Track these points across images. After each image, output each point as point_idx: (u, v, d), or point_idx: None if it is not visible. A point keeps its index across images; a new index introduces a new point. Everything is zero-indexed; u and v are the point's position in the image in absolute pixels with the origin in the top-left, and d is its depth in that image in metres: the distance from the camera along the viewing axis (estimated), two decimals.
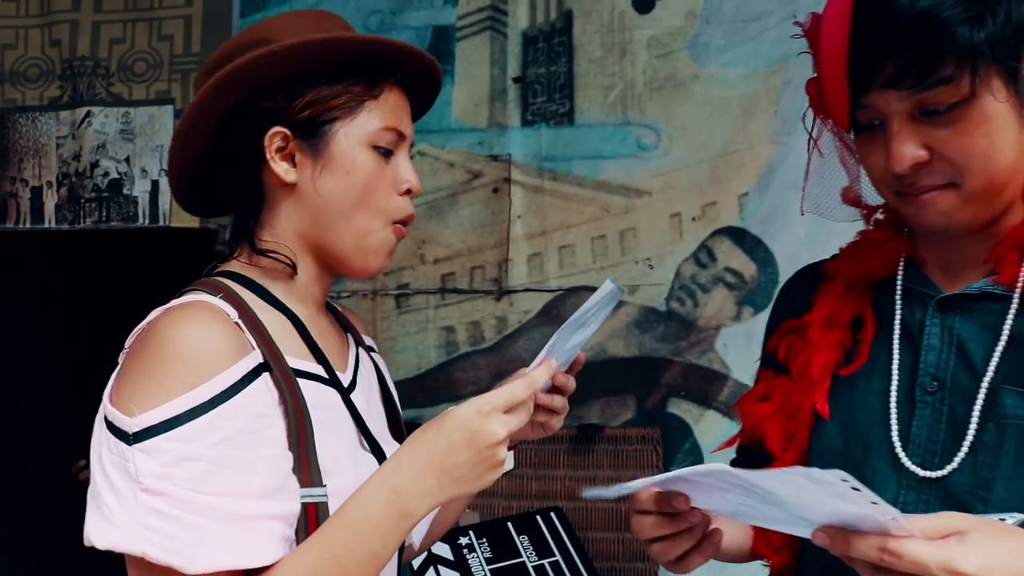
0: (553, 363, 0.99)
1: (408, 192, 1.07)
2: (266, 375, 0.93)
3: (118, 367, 0.92)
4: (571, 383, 1.13)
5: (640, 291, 2.19)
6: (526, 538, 1.94)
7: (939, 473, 0.94)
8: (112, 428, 0.86)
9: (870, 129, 0.95)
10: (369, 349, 1.23)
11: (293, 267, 1.03)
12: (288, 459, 0.92)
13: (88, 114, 2.46)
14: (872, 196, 1.07)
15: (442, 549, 1.89)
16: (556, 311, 2.22)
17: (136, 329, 0.93)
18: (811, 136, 1.08)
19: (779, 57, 2.10)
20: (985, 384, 0.93)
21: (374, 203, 1.03)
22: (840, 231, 1.16)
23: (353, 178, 1.02)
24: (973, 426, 0.93)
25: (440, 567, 1.86)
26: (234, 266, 1.04)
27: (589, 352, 2.18)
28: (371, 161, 1.02)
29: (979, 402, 0.93)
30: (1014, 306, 0.94)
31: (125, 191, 2.45)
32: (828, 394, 1.05)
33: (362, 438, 1.06)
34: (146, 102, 2.46)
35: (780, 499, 0.78)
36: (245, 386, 0.89)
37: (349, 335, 1.18)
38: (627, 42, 2.22)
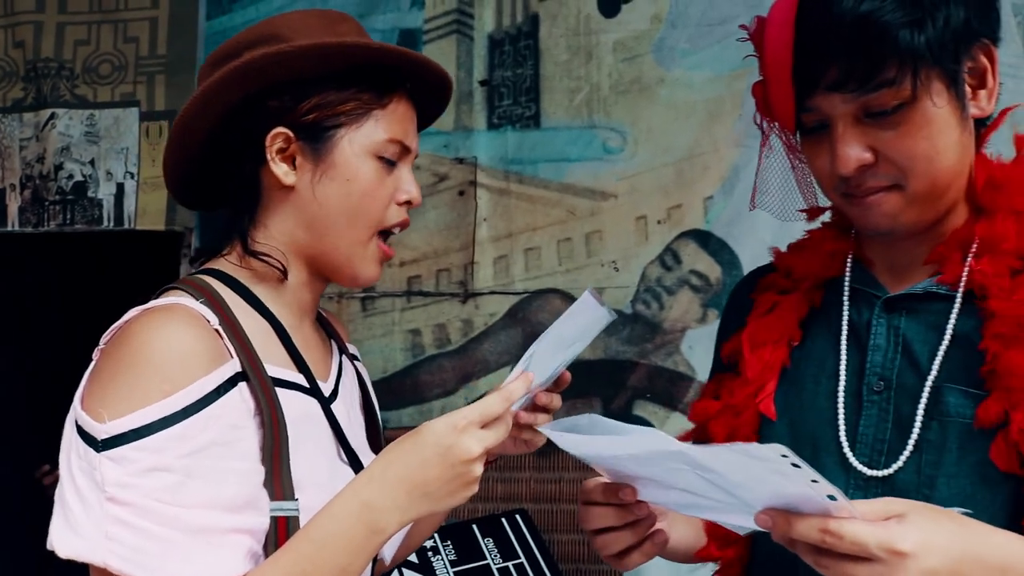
0: (530, 376, 0.96)
1: (408, 203, 1.05)
2: (243, 384, 0.91)
3: (91, 365, 0.90)
4: (555, 401, 1.08)
5: (606, 294, 2.19)
6: (491, 541, 1.93)
7: (885, 472, 0.95)
8: (82, 433, 0.84)
9: (816, 132, 0.96)
10: (352, 357, 1.21)
11: (284, 272, 1.02)
12: (259, 473, 0.90)
13: (52, 116, 2.44)
14: (823, 197, 1.08)
15: None
16: (522, 314, 2.22)
17: (112, 328, 0.91)
18: (764, 138, 1.09)
19: (744, 61, 2.09)
20: (929, 383, 0.94)
21: (371, 213, 1.02)
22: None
23: (353, 186, 1.00)
24: (917, 425, 0.93)
25: (404, 570, 1.85)
26: (222, 264, 1.02)
27: None
28: (373, 171, 1.01)
29: (923, 401, 0.94)
30: (957, 306, 0.95)
31: (90, 194, 2.43)
32: (776, 394, 1.05)
33: (340, 450, 1.03)
34: (111, 104, 2.44)
35: (721, 479, 0.78)
36: (220, 396, 0.87)
37: (333, 342, 1.16)
38: (593, 46, 2.23)
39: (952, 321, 0.95)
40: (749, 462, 0.73)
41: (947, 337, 0.94)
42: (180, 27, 2.43)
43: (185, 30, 2.43)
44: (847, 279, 1.06)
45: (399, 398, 2.26)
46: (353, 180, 1.00)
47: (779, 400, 1.05)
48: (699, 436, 1.14)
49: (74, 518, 0.82)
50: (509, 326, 2.23)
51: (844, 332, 1.03)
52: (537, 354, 0.99)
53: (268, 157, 0.99)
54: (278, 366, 0.98)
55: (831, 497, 0.73)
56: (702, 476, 0.79)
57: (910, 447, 0.93)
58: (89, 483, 0.82)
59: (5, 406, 2.93)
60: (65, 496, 0.83)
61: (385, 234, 1.06)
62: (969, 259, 0.94)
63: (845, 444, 0.98)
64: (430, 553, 1.89)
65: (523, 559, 1.90)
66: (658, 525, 1.00)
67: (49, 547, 0.83)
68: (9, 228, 2.47)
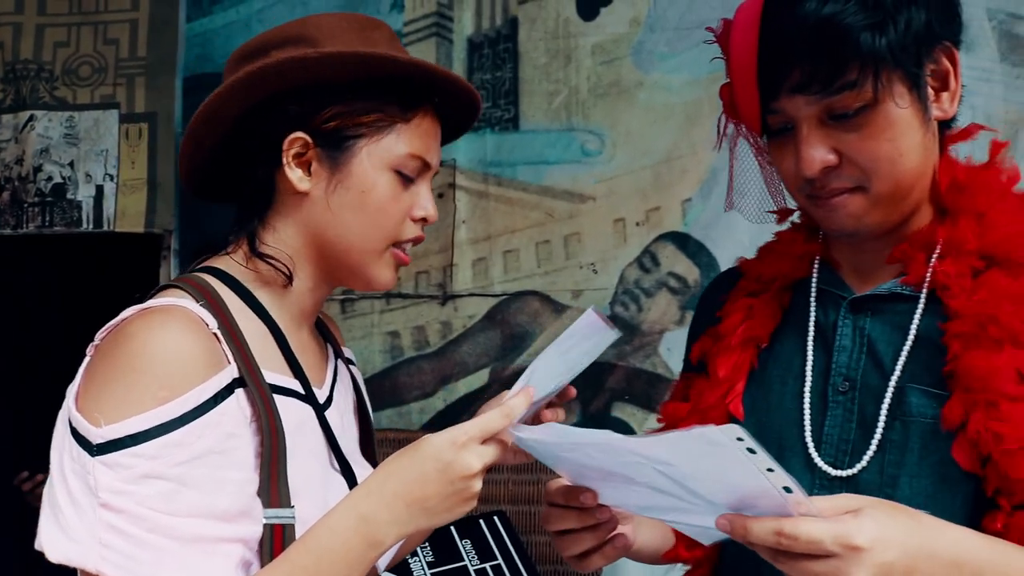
0: (531, 391, 0.94)
1: (423, 220, 1.04)
2: (240, 391, 0.90)
3: (85, 362, 0.88)
4: (560, 415, 1.08)
5: (584, 296, 2.20)
6: (468, 542, 1.94)
7: (849, 472, 0.95)
8: (75, 434, 0.82)
9: (781, 134, 0.97)
10: (348, 361, 1.20)
11: (289, 277, 1.00)
12: (254, 482, 0.89)
13: (31, 118, 2.43)
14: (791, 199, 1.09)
15: None
16: (501, 316, 2.23)
17: (108, 326, 0.89)
18: (719, 140, 1.10)
19: (722, 65, 2.12)
20: (892, 383, 0.95)
21: (384, 227, 1.00)
22: None
23: (367, 198, 0.98)
24: (881, 425, 0.94)
25: (382, 572, 1.85)
26: (226, 263, 1.01)
27: (533, 356, 2.19)
28: (390, 185, 0.99)
29: (887, 401, 0.94)
30: (920, 306, 0.96)
31: (69, 196, 2.42)
32: (744, 395, 1.06)
33: (333, 458, 1.03)
34: (91, 106, 2.43)
35: (676, 471, 0.78)
36: (217, 403, 0.86)
37: (329, 347, 1.15)
38: (572, 49, 2.24)
39: (916, 321, 0.95)
40: (704, 448, 0.72)
41: (911, 337, 0.95)
42: (160, 29, 2.43)
43: (165, 32, 2.43)
44: (814, 280, 1.06)
45: (378, 400, 2.26)
46: (368, 192, 0.98)
47: (747, 401, 1.06)
48: None
49: (66, 521, 0.81)
50: (488, 328, 2.23)
51: (811, 333, 1.04)
52: (539, 370, 0.97)
53: (284, 161, 0.97)
54: (275, 372, 0.97)
55: (787, 489, 0.72)
56: (658, 470, 0.79)
57: (873, 447, 0.94)
58: (82, 487, 0.81)
59: None
60: (56, 498, 0.82)
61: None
62: (933, 260, 0.95)
63: (811, 444, 0.99)
64: (408, 555, 1.89)
65: (500, 560, 1.90)
66: (623, 528, 1.00)
67: (37, 548, 0.82)
68: None
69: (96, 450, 0.81)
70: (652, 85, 2.20)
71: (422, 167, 1.02)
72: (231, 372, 0.89)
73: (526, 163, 2.24)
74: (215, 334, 0.90)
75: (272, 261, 0.99)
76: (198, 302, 0.91)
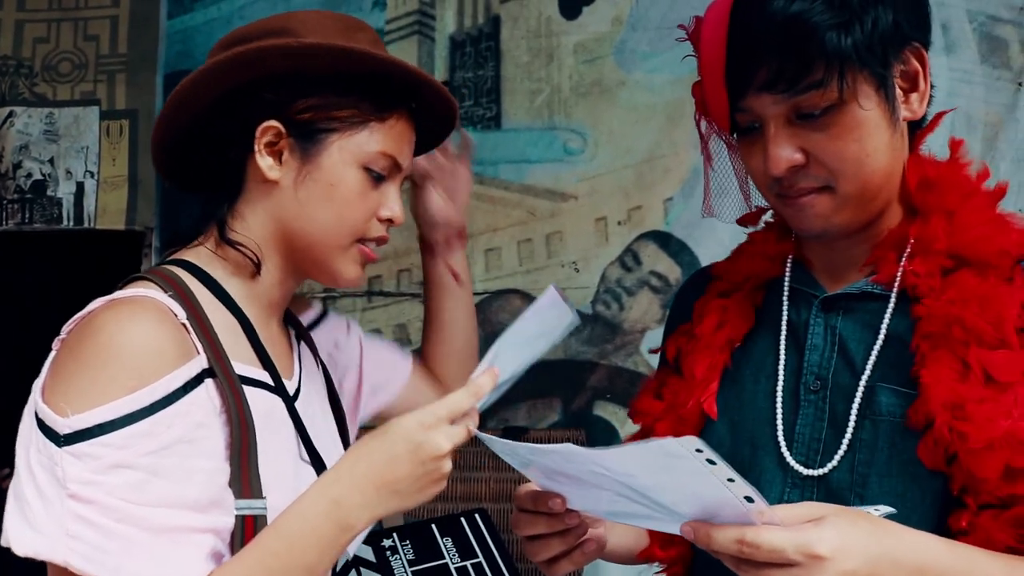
0: (496, 371, 0.95)
1: (389, 221, 1.04)
2: (209, 382, 0.89)
3: (51, 355, 0.88)
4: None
5: (566, 294, 2.20)
6: (449, 540, 1.93)
7: (820, 471, 0.95)
8: (42, 426, 0.81)
9: (750, 132, 0.97)
10: (315, 351, 1.17)
11: (258, 265, 1.00)
12: (225, 472, 0.88)
13: (11, 114, 2.41)
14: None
15: (364, 551, 1.88)
16: (482, 314, 2.22)
17: (75, 318, 0.88)
18: (703, 142, 1.10)
19: None
20: (863, 382, 0.95)
21: (349, 223, 1.00)
22: None
23: (335, 192, 0.98)
24: (851, 424, 0.94)
25: (363, 569, 1.85)
26: (195, 255, 1.00)
27: None
28: (358, 182, 0.99)
29: (857, 400, 0.94)
30: (891, 305, 0.96)
31: (49, 192, 2.41)
32: (718, 394, 1.06)
33: (303, 449, 1.02)
34: (71, 103, 2.42)
35: (638, 482, 0.78)
36: (186, 393, 0.85)
37: (293, 333, 1.14)
38: (554, 47, 2.24)
39: (886, 321, 0.95)
40: (664, 460, 0.72)
41: (881, 336, 0.95)
42: (141, 26, 2.42)
43: (146, 29, 2.41)
44: (787, 279, 1.06)
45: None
46: (336, 186, 0.98)
47: (720, 401, 1.05)
48: (645, 435, 1.14)
49: (33, 514, 0.80)
50: None
51: (783, 332, 1.04)
52: (502, 350, 0.98)
53: (256, 148, 0.97)
54: (244, 363, 0.97)
55: (748, 499, 0.72)
56: (621, 481, 0.79)
57: (844, 446, 0.94)
58: (49, 479, 0.80)
59: None
60: (23, 491, 0.81)
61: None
62: (903, 259, 0.95)
63: (783, 443, 0.99)
64: (388, 552, 1.89)
65: (481, 558, 1.90)
66: (594, 529, 1.00)
67: (4, 543, 0.81)
68: None
69: (63, 441, 0.80)
70: (634, 84, 2.20)
71: (392, 167, 1.02)
72: (200, 362, 0.89)
73: (508, 162, 2.24)
74: (184, 324, 0.89)
75: (241, 248, 0.99)
76: (166, 292, 0.91)
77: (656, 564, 1.14)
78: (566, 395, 2.20)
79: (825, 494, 0.95)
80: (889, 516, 0.84)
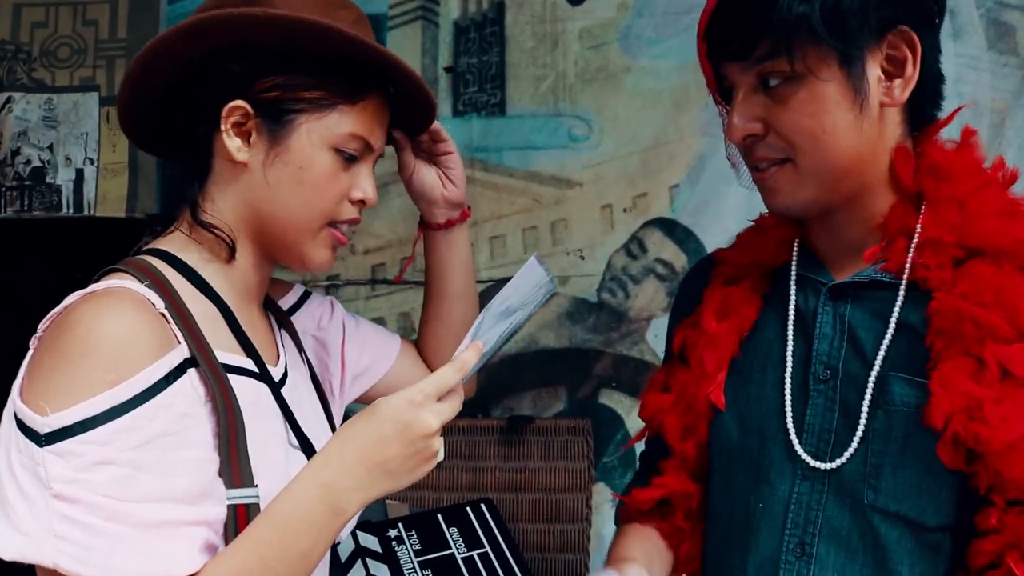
0: (479, 344, 0.95)
1: (361, 203, 1.02)
2: (192, 371, 0.88)
3: (29, 355, 0.86)
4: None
5: (571, 282, 2.19)
6: (455, 530, 1.93)
7: (831, 465, 0.95)
8: (22, 427, 0.80)
9: (731, 101, 0.97)
10: (294, 336, 1.16)
11: (232, 248, 0.98)
12: (214, 462, 0.87)
13: (9, 100, 2.38)
14: None
15: (370, 542, 1.88)
16: (486, 302, 2.21)
17: (51, 314, 0.86)
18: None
19: None
20: (874, 372, 0.94)
21: (320, 205, 0.98)
22: None
23: (305, 175, 0.96)
24: (864, 414, 0.93)
25: (368, 560, 1.84)
26: (168, 243, 0.98)
27: (520, 343, 2.19)
28: (329, 164, 0.97)
29: (869, 390, 0.93)
30: (901, 295, 0.94)
31: (48, 180, 2.38)
32: (725, 384, 1.05)
33: (291, 435, 1.01)
34: (70, 89, 2.39)
35: None
36: (169, 384, 0.84)
37: (273, 319, 1.13)
38: (559, 33, 2.21)
39: (896, 310, 0.94)
40: None
41: (892, 326, 0.94)
42: (141, 10, 2.38)
43: (146, 13, 2.38)
44: (794, 266, 1.05)
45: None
46: (306, 169, 0.96)
47: (728, 390, 1.05)
48: (653, 429, 1.13)
49: (17, 517, 0.78)
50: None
51: (791, 320, 1.02)
52: (485, 322, 0.98)
53: (223, 128, 0.95)
54: (226, 351, 0.95)
55: None
56: None
57: (857, 437, 0.93)
58: (32, 480, 0.79)
59: None
60: (6, 494, 0.79)
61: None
62: (912, 249, 0.94)
63: (792, 434, 0.98)
64: (394, 543, 1.89)
65: (488, 548, 1.89)
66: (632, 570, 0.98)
67: None
68: None
69: (44, 440, 0.78)
70: (640, 70, 2.18)
71: (364, 148, 1.00)
72: (182, 352, 0.87)
73: (513, 148, 2.22)
74: (163, 314, 0.88)
75: (215, 230, 0.97)
76: (142, 282, 0.89)
77: None
78: (571, 383, 2.19)
79: (837, 486, 0.95)
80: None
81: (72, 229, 2.60)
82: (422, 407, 0.87)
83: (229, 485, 0.88)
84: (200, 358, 0.89)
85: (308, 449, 1.02)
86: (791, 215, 1.00)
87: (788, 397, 0.99)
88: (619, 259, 2.19)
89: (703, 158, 2.15)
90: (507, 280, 0.99)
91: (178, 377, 0.85)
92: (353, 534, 1.85)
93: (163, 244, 0.99)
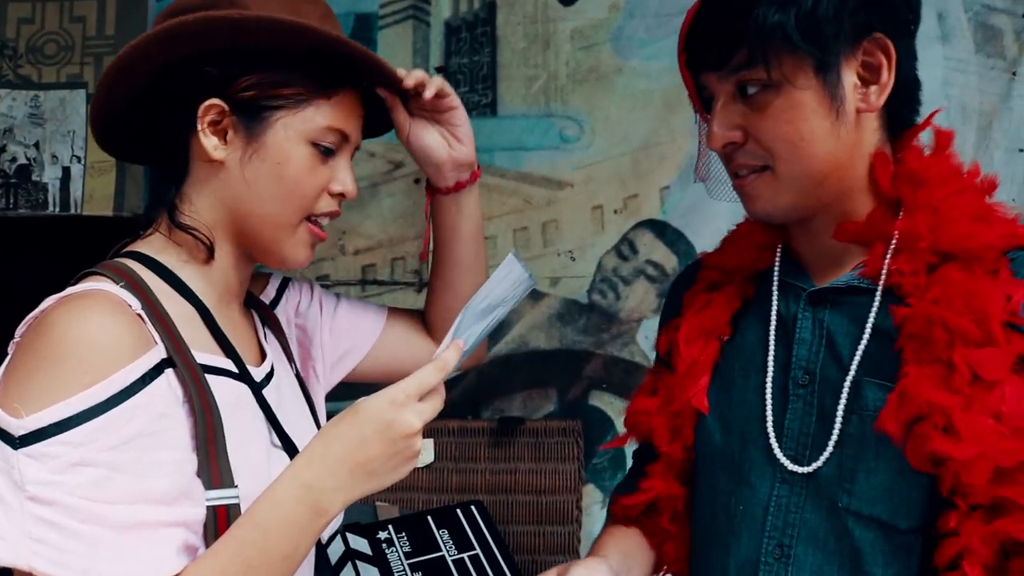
0: (460, 343, 0.95)
1: (341, 196, 1.02)
2: (169, 371, 0.88)
3: (6, 360, 0.86)
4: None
5: (562, 283, 2.19)
6: (446, 532, 1.92)
7: (809, 468, 0.96)
8: None
9: (711, 109, 0.98)
10: (279, 331, 1.16)
11: (210, 249, 0.98)
12: (192, 462, 0.87)
13: None
14: None
15: (360, 544, 1.87)
16: None
17: (27, 318, 0.86)
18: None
19: None
20: (850, 377, 0.95)
21: (299, 199, 0.98)
22: None
23: (283, 170, 0.96)
24: (839, 419, 0.94)
25: (358, 562, 1.83)
26: (145, 246, 0.98)
27: (510, 344, 2.19)
28: (306, 158, 0.97)
29: (844, 394, 0.94)
30: (877, 300, 0.95)
31: (34, 177, 2.36)
32: (709, 389, 1.06)
33: (274, 435, 1.01)
34: (57, 85, 2.37)
35: None
36: (146, 384, 0.84)
37: (257, 317, 1.12)
38: (550, 34, 2.21)
39: (872, 315, 0.95)
40: None
41: (867, 331, 0.95)
42: (129, 7, 2.36)
43: (134, 10, 2.36)
44: (776, 271, 1.06)
45: (353, 387, 2.23)
46: (284, 164, 0.96)
47: (711, 395, 1.06)
48: (639, 434, 1.14)
49: None
50: None
51: (773, 325, 1.03)
52: (465, 320, 0.98)
53: (199, 128, 0.95)
54: (205, 352, 0.95)
55: None
56: None
57: (833, 441, 0.94)
58: (7, 483, 0.78)
59: None
60: None
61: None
62: (888, 255, 0.95)
63: (772, 438, 0.99)
64: (384, 545, 1.88)
65: (478, 550, 1.89)
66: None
67: None
68: None
69: (19, 442, 0.78)
70: (631, 71, 2.18)
71: (341, 140, 1.00)
72: (159, 352, 0.87)
73: (504, 149, 2.21)
74: (139, 315, 0.87)
75: (193, 231, 0.97)
76: (118, 284, 0.89)
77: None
78: (562, 385, 2.19)
79: (814, 490, 0.96)
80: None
81: (58, 228, 2.57)
82: (404, 407, 0.88)
83: (208, 486, 0.87)
84: (177, 358, 0.89)
85: (291, 449, 1.01)
86: (771, 221, 1.00)
87: (769, 401, 1.00)
88: (610, 260, 2.19)
89: (694, 160, 2.12)
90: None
91: (155, 377, 0.85)
92: (343, 536, 1.84)
93: (141, 247, 0.98)
